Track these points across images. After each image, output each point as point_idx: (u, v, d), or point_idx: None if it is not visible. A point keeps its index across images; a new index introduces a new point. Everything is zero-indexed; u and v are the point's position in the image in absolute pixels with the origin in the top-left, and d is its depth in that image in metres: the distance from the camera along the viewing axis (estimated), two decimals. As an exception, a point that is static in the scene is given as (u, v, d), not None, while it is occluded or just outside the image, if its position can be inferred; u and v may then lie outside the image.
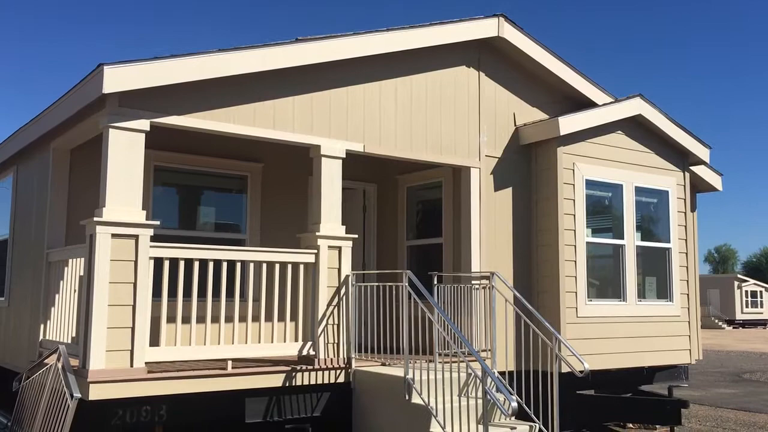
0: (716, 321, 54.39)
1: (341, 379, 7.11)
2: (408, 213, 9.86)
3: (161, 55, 6.27)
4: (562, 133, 8.66)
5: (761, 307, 58.89)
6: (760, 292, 59.06)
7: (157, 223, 6.36)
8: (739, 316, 56.65)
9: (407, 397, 6.47)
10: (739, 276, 61.31)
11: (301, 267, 7.13)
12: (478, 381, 6.61)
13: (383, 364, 7.25)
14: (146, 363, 6.11)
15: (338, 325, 7.18)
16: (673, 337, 9.67)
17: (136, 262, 6.10)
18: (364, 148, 7.66)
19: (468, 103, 8.62)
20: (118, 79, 6.00)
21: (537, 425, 6.74)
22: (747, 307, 57.66)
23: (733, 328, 54.43)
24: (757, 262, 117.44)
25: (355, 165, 8.91)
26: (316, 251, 7.14)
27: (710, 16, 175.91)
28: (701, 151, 10.17)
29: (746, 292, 57.80)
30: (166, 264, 6.33)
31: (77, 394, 5.58)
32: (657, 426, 9.89)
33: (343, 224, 7.38)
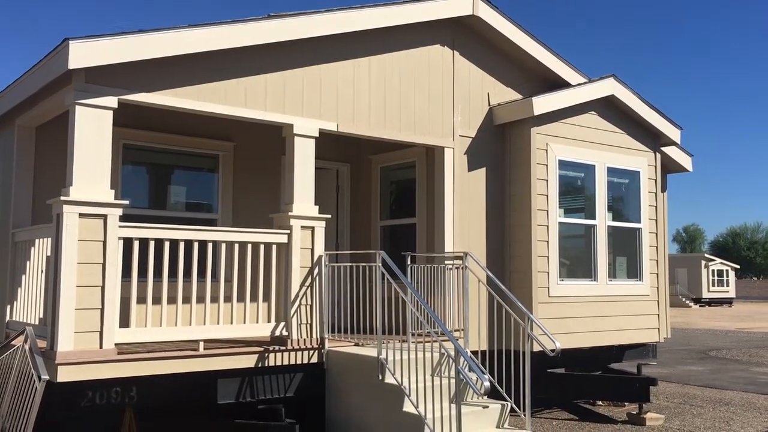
0: (683, 299, 55.41)
1: (314, 360, 7.10)
2: (381, 193, 9.82)
3: (129, 30, 6.12)
4: (536, 113, 8.66)
5: (727, 285, 60.08)
6: (726, 271, 60.22)
7: (126, 202, 6.24)
8: (705, 294, 57.73)
9: (380, 377, 6.48)
10: (706, 255, 62.36)
11: (274, 247, 7.07)
12: (450, 360, 6.63)
13: (356, 344, 7.25)
14: (116, 344, 6.03)
15: (311, 306, 7.15)
16: (642, 316, 9.82)
17: (104, 242, 5.98)
18: (337, 127, 7.59)
19: (442, 82, 8.57)
20: (84, 54, 5.83)
21: (509, 404, 6.81)
22: (713, 285, 58.77)
23: (700, 306, 55.50)
24: (723, 241, 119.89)
25: (328, 145, 8.84)
26: (289, 231, 7.08)
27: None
28: (672, 132, 10.26)
29: (713, 271, 58.88)
30: (136, 244, 6.22)
31: (45, 376, 5.48)
32: (626, 403, 10.06)
33: (316, 204, 7.32)
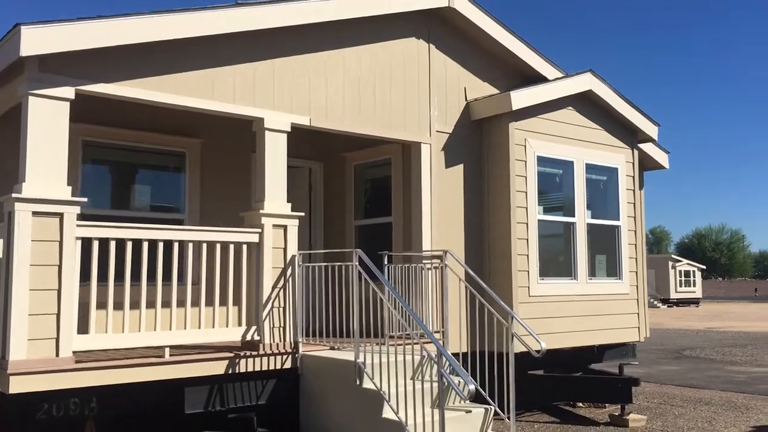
0: (652, 300, 55.98)
1: (288, 365, 6.74)
2: (356, 192, 9.51)
3: (87, 16, 5.73)
4: (514, 108, 8.42)
5: (694, 286, 60.88)
6: (693, 271, 61.04)
7: (85, 199, 5.83)
8: (673, 295, 58.41)
9: (358, 382, 6.16)
10: (673, 256, 63.18)
11: (244, 247, 6.70)
12: (432, 363, 6.35)
13: (332, 348, 6.92)
14: (74, 352, 5.61)
15: (284, 308, 6.80)
16: (623, 315, 9.65)
17: (61, 242, 5.57)
18: (310, 121, 7.26)
19: (418, 76, 8.29)
20: (37, 40, 5.43)
21: (492, 407, 6.52)
22: (681, 286, 59.50)
23: (668, 306, 56.12)
24: (689, 242, 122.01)
25: (301, 142, 8.50)
26: (260, 230, 6.73)
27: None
28: (650, 128, 10.12)
29: (680, 271, 59.61)
30: (96, 244, 5.81)
31: (-5, 388, 5.07)
32: (606, 404, 9.86)
33: (288, 203, 6.98)
